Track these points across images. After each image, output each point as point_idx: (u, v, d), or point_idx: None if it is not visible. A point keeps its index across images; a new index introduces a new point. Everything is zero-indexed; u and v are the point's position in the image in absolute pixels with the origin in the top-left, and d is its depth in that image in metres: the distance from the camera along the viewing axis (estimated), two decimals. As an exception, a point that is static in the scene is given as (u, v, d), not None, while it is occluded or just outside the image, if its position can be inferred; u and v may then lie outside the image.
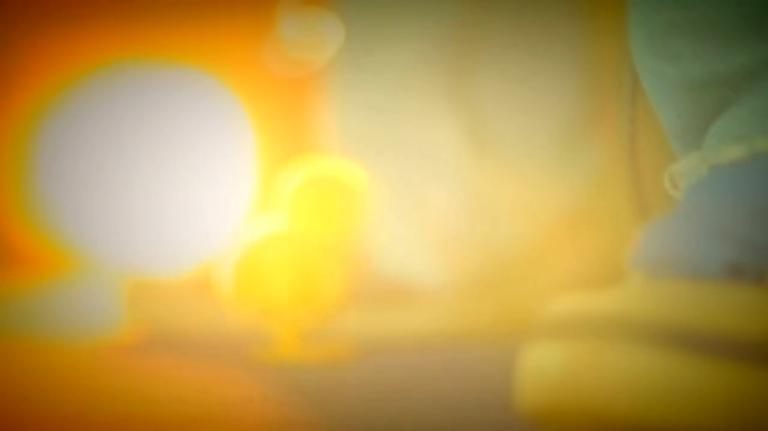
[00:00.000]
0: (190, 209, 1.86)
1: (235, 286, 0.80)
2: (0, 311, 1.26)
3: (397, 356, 0.77)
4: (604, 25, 0.88)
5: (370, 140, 1.00)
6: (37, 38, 2.18)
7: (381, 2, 0.99)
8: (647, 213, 0.57)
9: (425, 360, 0.75)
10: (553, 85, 0.90)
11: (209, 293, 0.96)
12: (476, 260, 0.99)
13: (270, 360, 0.80)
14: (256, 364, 0.78)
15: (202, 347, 0.85)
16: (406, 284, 0.97)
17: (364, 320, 0.80)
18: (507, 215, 0.99)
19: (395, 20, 0.99)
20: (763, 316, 0.46)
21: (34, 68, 2.19)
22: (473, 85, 0.99)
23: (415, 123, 1.00)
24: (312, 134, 1.08)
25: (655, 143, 0.89)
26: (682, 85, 0.58)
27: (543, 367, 0.46)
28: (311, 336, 0.82)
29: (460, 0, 0.98)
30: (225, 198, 0.86)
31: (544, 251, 0.89)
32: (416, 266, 0.99)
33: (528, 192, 0.91)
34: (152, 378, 0.72)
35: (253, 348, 0.83)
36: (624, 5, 0.60)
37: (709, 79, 0.57)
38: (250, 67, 0.86)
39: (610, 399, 0.45)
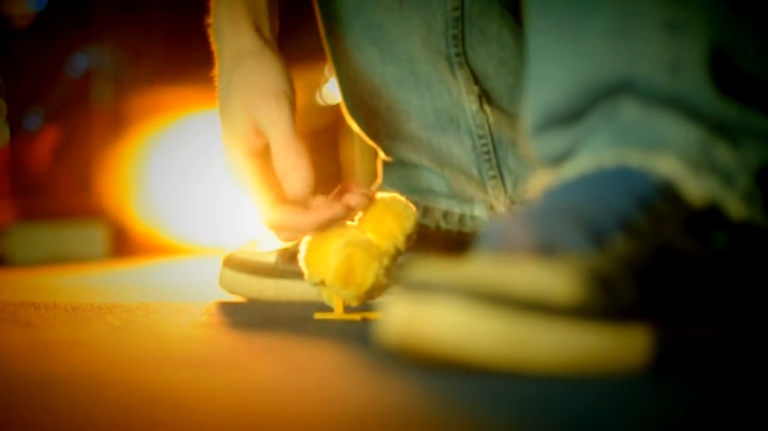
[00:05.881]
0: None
1: (303, 260, 0.84)
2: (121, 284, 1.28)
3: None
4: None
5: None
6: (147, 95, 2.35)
7: None
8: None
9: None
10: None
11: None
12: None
13: (324, 319, 0.84)
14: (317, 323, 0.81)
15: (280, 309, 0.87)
16: None
17: None
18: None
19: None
20: (539, 281, 0.53)
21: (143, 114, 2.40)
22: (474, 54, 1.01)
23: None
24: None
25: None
26: None
27: (394, 316, 0.54)
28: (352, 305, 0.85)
29: None
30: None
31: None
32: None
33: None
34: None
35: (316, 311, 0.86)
36: None
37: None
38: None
39: (437, 340, 0.53)
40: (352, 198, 0.84)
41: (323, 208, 0.83)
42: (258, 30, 0.89)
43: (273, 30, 0.90)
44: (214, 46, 0.90)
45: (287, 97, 0.85)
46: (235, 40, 0.88)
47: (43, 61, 2.52)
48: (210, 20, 0.91)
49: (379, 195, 0.86)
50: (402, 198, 0.85)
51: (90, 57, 2.55)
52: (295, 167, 0.83)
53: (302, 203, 0.83)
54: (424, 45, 1.00)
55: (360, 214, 0.85)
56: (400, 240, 0.83)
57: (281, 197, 0.84)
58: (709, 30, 0.59)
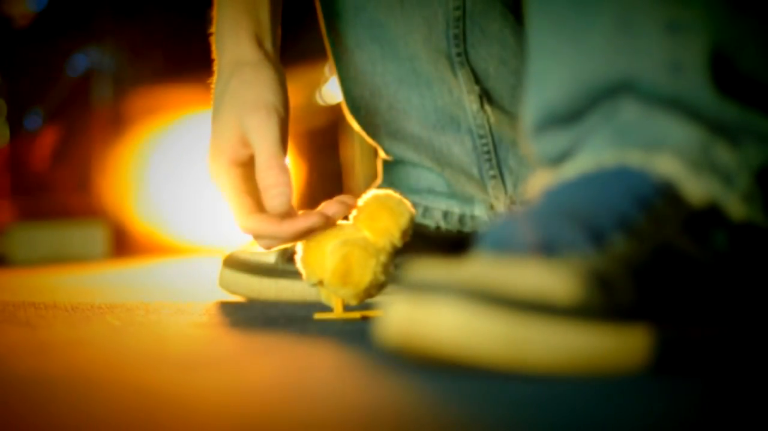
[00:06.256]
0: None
1: (301, 261, 0.84)
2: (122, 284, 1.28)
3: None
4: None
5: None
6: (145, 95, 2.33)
7: None
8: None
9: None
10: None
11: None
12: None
13: (324, 319, 0.84)
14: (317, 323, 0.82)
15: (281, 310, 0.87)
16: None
17: None
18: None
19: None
20: (538, 282, 0.52)
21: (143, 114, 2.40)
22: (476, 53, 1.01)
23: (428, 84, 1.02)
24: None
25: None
26: None
27: (394, 316, 0.54)
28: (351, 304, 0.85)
29: None
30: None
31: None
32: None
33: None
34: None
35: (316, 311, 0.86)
36: None
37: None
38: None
39: (437, 340, 0.52)
40: (330, 207, 0.84)
41: (300, 218, 0.84)
42: (259, 42, 0.89)
43: (275, 43, 0.91)
44: (214, 55, 0.90)
45: (277, 112, 0.85)
46: (235, 50, 0.88)
47: (43, 61, 2.52)
48: (212, 29, 0.91)
49: (374, 192, 0.86)
50: (396, 194, 0.85)
51: (90, 57, 2.55)
52: (276, 183, 0.84)
53: (282, 215, 0.84)
54: (425, 44, 1.00)
55: (355, 212, 0.85)
56: (396, 237, 0.83)
57: (260, 207, 0.85)
58: (710, 30, 0.59)
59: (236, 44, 0.89)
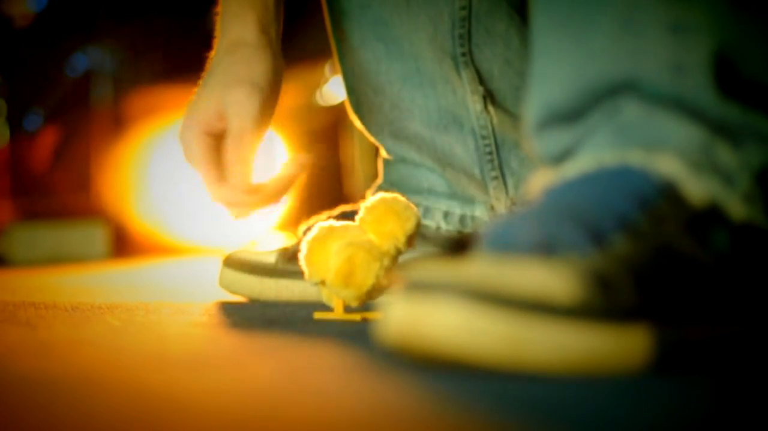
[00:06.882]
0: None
1: (304, 259, 0.84)
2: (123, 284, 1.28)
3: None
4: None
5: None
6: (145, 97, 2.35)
7: None
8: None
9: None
10: None
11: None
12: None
13: (324, 319, 0.84)
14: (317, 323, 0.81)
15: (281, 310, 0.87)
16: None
17: None
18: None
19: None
20: (540, 283, 0.52)
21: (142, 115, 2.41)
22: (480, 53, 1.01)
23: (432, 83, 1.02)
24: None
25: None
26: None
27: (394, 316, 0.54)
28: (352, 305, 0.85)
29: None
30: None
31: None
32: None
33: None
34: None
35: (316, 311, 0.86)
36: None
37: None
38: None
39: (438, 340, 0.52)
40: (287, 167, 0.88)
41: (270, 183, 0.87)
42: (263, 28, 0.90)
43: (278, 33, 0.92)
44: (217, 33, 0.91)
45: (261, 92, 0.87)
46: (240, 31, 0.90)
47: (43, 61, 2.52)
48: (218, 9, 0.92)
49: (381, 195, 0.86)
50: (403, 199, 0.85)
51: (90, 57, 2.55)
52: (240, 159, 0.86)
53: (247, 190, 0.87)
54: (430, 43, 1.00)
55: (361, 214, 0.85)
56: (401, 241, 0.83)
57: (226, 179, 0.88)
58: (713, 32, 0.59)
59: (242, 25, 0.90)
